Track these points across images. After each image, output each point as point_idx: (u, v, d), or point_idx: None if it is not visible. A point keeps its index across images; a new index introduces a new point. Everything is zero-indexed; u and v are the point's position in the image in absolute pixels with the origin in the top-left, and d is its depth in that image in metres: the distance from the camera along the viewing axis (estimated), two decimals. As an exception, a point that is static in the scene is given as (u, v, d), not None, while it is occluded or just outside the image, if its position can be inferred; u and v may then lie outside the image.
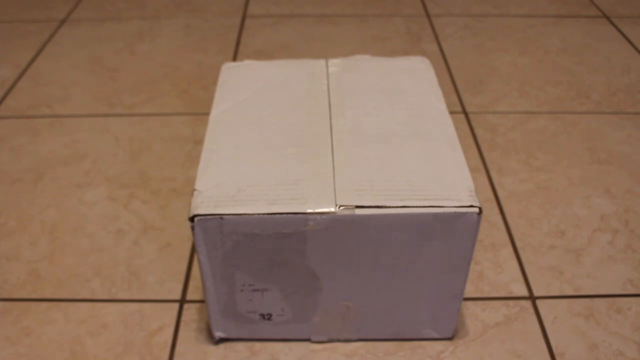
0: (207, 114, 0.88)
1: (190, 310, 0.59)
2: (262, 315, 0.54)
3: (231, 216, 0.46)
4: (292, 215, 0.46)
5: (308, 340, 0.56)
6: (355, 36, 1.08)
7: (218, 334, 0.55)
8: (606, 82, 0.96)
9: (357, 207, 0.46)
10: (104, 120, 0.87)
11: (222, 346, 0.56)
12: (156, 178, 0.76)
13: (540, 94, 0.93)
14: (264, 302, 0.53)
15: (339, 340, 0.56)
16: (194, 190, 0.49)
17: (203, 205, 0.47)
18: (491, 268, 0.64)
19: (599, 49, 1.05)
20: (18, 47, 1.05)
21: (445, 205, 0.47)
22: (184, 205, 0.72)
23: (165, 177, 0.76)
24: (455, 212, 0.47)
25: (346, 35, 1.09)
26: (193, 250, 0.66)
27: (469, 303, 0.60)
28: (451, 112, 0.88)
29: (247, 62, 0.65)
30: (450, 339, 0.57)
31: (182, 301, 0.60)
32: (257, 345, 0.56)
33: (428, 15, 1.16)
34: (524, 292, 0.61)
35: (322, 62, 0.64)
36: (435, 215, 0.47)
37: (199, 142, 0.82)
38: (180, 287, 0.62)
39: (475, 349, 0.56)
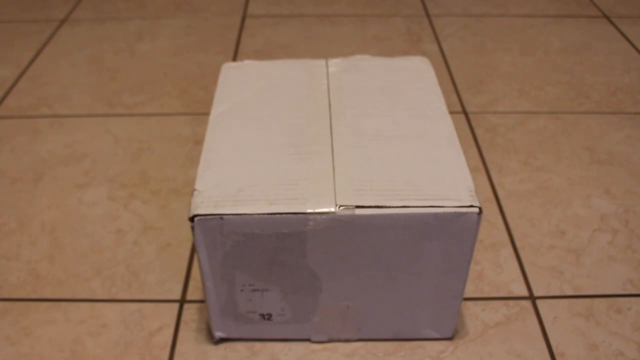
0: (207, 114, 0.88)
1: (190, 310, 0.59)
2: (262, 315, 0.54)
3: (231, 216, 0.46)
4: (292, 215, 0.46)
5: (308, 340, 0.56)
6: (355, 36, 1.08)
7: (218, 334, 0.55)
8: (606, 82, 0.96)
9: (357, 207, 0.46)
10: (104, 120, 0.87)
11: (222, 346, 0.56)
12: (156, 178, 0.76)
13: (540, 94, 0.93)
14: (264, 302, 0.53)
15: (339, 340, 0.56)
16: (194, 190, 0.49)
17: (203, 205, 0.47)
18: (491, 268, 0.64)
19: (599, 49, 1.05)
20: (18, 47, 1.05)
21: (445, 205, 0.47)
22: (184, 205, 0.72)
23: (165, 177, 0.76)
24: (455, 212, 0.47)
25: (346, 35, 1.09)
26: (193, 250, 0.66)
27: (469, 303, 0.60)
28: (451, 112, 0.88)
29: (247, 62, 0.65)
30: (450, 339, 0.57)
31: (182, 301, 0.60)
32: (257, 345, 0.56)
33: (428, 15, 1.16)
34: (524, 292, 0.61)
35: (322, 62, 0.64)
36: (436, 215, 0.47)
37: (199, 142, 0.82)
38: (180, 287, 0.62)
39: (475, 349, 0.56)
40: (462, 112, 0.88)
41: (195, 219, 0.47)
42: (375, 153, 0.51)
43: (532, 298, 0.61)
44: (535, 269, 0.64)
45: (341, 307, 0.53)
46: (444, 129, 0.55)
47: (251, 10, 1.18)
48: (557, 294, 0.61)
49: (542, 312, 0.59)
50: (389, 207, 0.46)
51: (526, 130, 0.85)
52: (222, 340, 0.56)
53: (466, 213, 0.47)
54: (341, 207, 0.46)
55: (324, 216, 0.46)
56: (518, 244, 0.67)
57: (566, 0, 1.23)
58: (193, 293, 0.61)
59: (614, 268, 0.64)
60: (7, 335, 0.57)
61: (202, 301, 0.60)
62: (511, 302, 0.60)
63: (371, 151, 0.52)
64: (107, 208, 0.71)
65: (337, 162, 0.50)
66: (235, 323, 0.54)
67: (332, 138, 0.53)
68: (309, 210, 0.46)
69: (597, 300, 0.61)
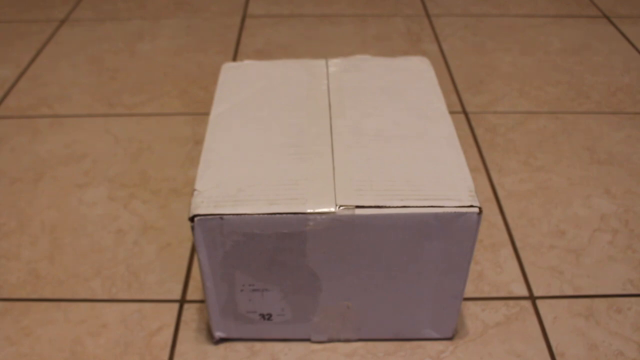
0: (207, 114, 0.88)
1: (190, 310, 0.59)
2: (262, 315, 0.54)
3: (231, 216, 0.46)
4: (292, 215, 0.46)
5: (308, 340, 0.56)
6: (355, 36, 1.08)
7: (218, 334, 0.55)
8: (606, 82, 0.96)
9: (357, 207, 0.46)
10: (104, 120, 0.87)
11: (222, 346, 0.56)
12: (156, 178, 0.76)
13: (540, 94, 0.93)
14: (264, 302, 0.53)
15: (339, 340, 0.56)
16: (194, 190, 0.49)
17: (203, 205, 0.47)
18: (491, 268, 0.64)
19: (599, 49, 1.05)
20: (18, 47, 1.05)
21: (445, 205, 0.47)
22: (184, 205, 0.72)
23: (165, 177, 0.76)
24: (455, 212, 0.47)
25: (346, 35, 1.09)
26: (193, 250, 0.66)
27: (469, 303, 0.60)
28: (451, 112, 0.88)
29: (247, 62, 0.65)
30: (450, 339, 0.57)
31: (182, 301, 0.60)
32: (257, 345, 0.56)
33: (428, 15, 1.16)
34: (524, 292, 0.61)
35: (322, 62, 0.64)
36: (436, 215, 0.47)
37: (199, 142, 0.82)
38: (180, 287, 0.62)
39: (475, 349, 0.56)
40: (462, 112, 0.88)
41: (195, 219, 0.47)
42: (375, 153, 0.51)
43: (532, 298, 0.61)
44: (535, 269, 0.64)
45: (341, 307, 0.53)
46: (444, 129, 0.55)
47: (251, 10, 1.18)
48: (557, 294, 0.61)
49: (542, 312, 0.59)
50: (389, 207, 0.46)
51: (526, 130, 0.85)
52: (222, 340, 0.56)
53: (466, 213, 0.47)
54: (341, 207, 0.46)
55: (324, 216, 0.46)
56: (518, 244, 0.67)
57: (566, 0, 1.23)
58: (193, 293, 0.61)
59: (614, 268, 0.64)
60: (7, 335, 0.57)
61: (202, 301, 0.60)
62: (511, 302, 0.60)
63: (371, 151, 0.52)
64: (107, 208, 0.71)
65: (337, 162, 0.50)
66: (235, 323, 0.54)
67: (332, 138, 0.53)
68: (309, 210, 0.46)
69: (597, 300, 0.61)
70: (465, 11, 1.18)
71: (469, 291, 0.61)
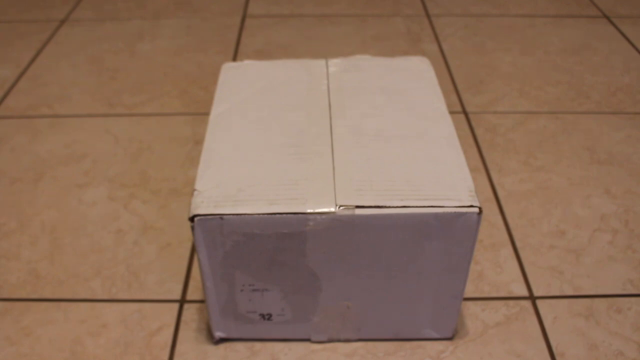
0: (207, 114, 0.88)
1: (190, 310, 0.59)
2: (262, 315, 0.54)
3: (231, 216, 0.46)
4: (292, 215, 0.46)
5: (308, 340, 0.56)
6: (355, 36, 1.08)
7: (218, 334, 0.55)
8: (606, 82, 0.96)
9: (357, 207, 0.46)
10: (104, 120, 0.87)
11: (222, 346, 0.56)
12: (156, 178, 0.76)
13: (540, 94, 0.93)
14: (264, 302, 0.53)
15: (339, 340, 0.56)
16: (194, 190, 0.49)
17: (203, 205, 0.47)
18: (491, 268, 0.64)
19: (599, 49, 1.05)
20: (18, 47, 1.05)
21: (445, 205, 0.47)
22: (184, 205, 0.72)
23: (165, 177, 0.76)
24: (455, 212, 0.47)
25: (346, 35, 1.09)
26: (193, 250, 0.66)
27: (469, 303, 0.60)
28: (451, 112, 0.88)
29: (247, 62, 0.65)
30: (450, 339, 0.57)
31: (182, 301, 0.60)
32: (257, 345, 0.56)
33: (428, 15, 1.16)
34: (524, 292, 0.61)
35: (322, 62, 0.64)
36: (436, 215, 0.47)
37: (199, 142, 0.82)
38: (180, 287, 0.62)
39: (475, 349, 0.56)
40: (462, 112, 0.88)
41: (195, 219, 0.47)
42: (375, 153, 0.51)
43: (532, 298, 0.61)
44: (535, 269, 0.64)
45: (341, 307, 0.53)
46: (444, 129, 0.55)
47: (251, 10, 1.18)
48: (557, 294, 0.61)
49: (542, 312, 0.59)
50: (389, 207, 0.46)
51: (526, 130, 0.85)
52: (222, 340, 0.56)
53: (466, 213, 0.47)
54: (341, 207, 0.46)
55: (324, 216, 0.46)
56: (518, 244, 0.67)
57: (566, 0, 1.23)
58: (193, 293, 0.61)
59: (614, 268, 0.64)
60: (7, 335, 0.57)
61: (202, 301, 0.60)
62: (511, 302, 0.60)
63: (371, 151, 0.52)
64: (107, 208, 0.71)
65: (337, 162, 0.50)
66: (235, 323, 0.54)
67: (332, 138, 0.53)
68: (309, 210, 0.46)
69: (597, 300, 0.61)
70: (465, 11, 1.18)
71: (469, 291, 0.61)
